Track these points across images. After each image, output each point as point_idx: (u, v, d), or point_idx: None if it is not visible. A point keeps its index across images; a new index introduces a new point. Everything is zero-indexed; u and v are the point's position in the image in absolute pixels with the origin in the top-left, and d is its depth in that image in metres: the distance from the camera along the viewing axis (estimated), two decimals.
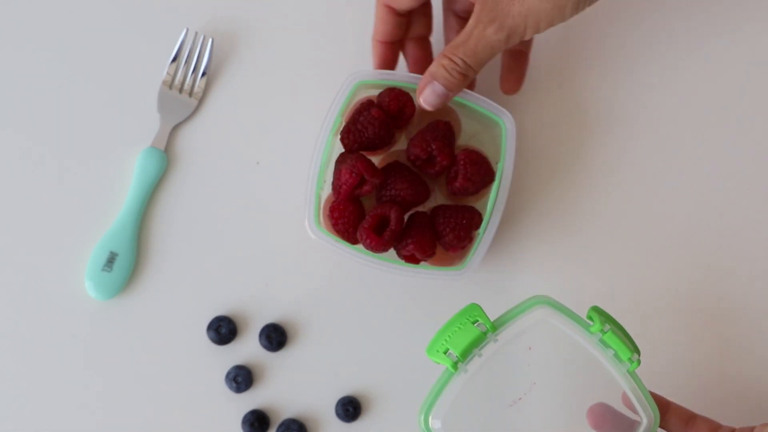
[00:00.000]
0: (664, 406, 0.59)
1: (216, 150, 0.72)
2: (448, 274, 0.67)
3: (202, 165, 0.72)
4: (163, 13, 0.73)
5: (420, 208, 0.67)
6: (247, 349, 0.71)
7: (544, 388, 0.61)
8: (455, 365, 0.59)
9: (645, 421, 0.60)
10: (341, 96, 0.67)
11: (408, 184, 0.65)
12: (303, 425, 0.70)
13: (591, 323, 0.60)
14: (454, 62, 0.63)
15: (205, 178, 0.72)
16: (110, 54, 0.72)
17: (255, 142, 0.72)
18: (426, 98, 0.64)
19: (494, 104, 0.67)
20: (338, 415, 0.70)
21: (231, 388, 0.70)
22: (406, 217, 0.66)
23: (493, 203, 0.66)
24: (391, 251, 0.66)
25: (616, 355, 0.60)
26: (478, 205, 0.67)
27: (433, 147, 0.65)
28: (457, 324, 0.61)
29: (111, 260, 0.70)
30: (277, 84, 0.73)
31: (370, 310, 0.71)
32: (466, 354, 0.58)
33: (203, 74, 0.72)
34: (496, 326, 0.60)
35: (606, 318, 0.60)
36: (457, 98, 0.66)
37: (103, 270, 0.70)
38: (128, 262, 0.70)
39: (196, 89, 0.72)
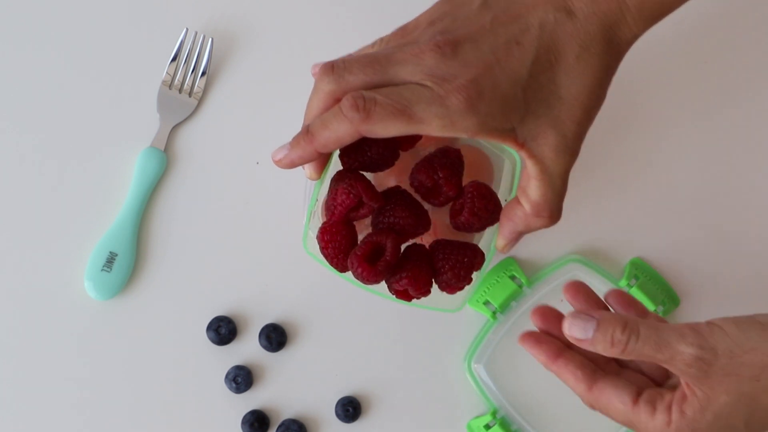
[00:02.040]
0: (642, 313, 0.58)
1: (216, 150, 0.72)
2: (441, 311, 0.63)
3: (201, 165, 0.72)
4: (163, 13, 0.73)
5: (417, 240, 0.61)
6: (247, 349, 0.71)
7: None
8: (494, 315, 0.69)
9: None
10: None
11: (408, 213, 0.58)
12: (303, 425, 0.70)
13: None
14: (549, 217, 0.55)
15: (205, 178, 0.72)
16: (110, 54, 0.72)
17: (255, 142, 0.72)
18: (510, 248, 0.58)
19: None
20: (338, 415, 0.70)
21: (231, 388, 0.70)
22: (402, 247, 0.59)
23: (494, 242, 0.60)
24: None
25: None
26: (474, 239, 0.62)
27: (440, 175, 0.59)
28: (494, 277, 0.69)
29: (111, 260, 0.70)
30: (277, 84, 0.73)
31: (370, 310, 0.71)
32: (504, 306, 0.64)
33: (203, 74, 0.72)
34: (532, 281, 0.70)
35: (641, 272, 0.68)
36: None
37: (102, 270, 0.69)
38: (128, 263, 0.70)
39: (195, 89, 0.72)
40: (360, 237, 0.59)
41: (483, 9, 0.53)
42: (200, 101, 0.72)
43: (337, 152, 0.58)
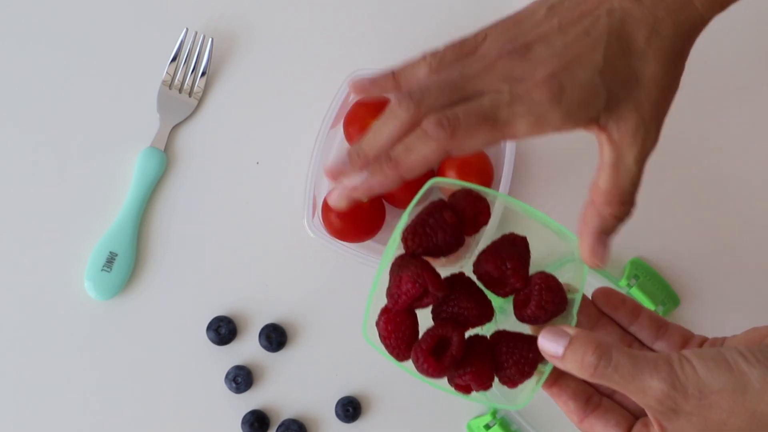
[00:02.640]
0: (636, 309, 0.57)
1: (216, 150, 0.72)
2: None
3: (201, 165, 0.72)
4: (163, 13, 0.73)
5: (478, 330, 0.59)
6: (247, 349, 0.71)
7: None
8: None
9: None
10: (341, 95, 0.67)
11: (473, 304, 0.56)
12: (303, 425, 0.70)
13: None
14: (623, 203, 0.54)
15: (205, 178, 0.72)
16: (110, 54, 0.72)
17: (255, 142, 0.72)
18: (603, 257, 0.55)
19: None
20: (338, 415, 0.70)
21: (231, 388, 0.70)
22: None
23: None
24: None
25: None
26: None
27: (508, 266, 0.56)
28: None
29: (110, 260, 0.70)
30: (276, 84, 0.73)
31: None
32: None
33: (203, 74, 0.72)
34: None
35: (641, 272, 0.68)
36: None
37: (102, 270, 0.70)
38: (128, 262, 0.70)
39: (195, 89, 0.72)
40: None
41: (549, 15, 0.53)
42: (200, 101, 0.72)
43: (400, 235, 0.56)
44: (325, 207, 0.68)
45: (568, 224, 0.71)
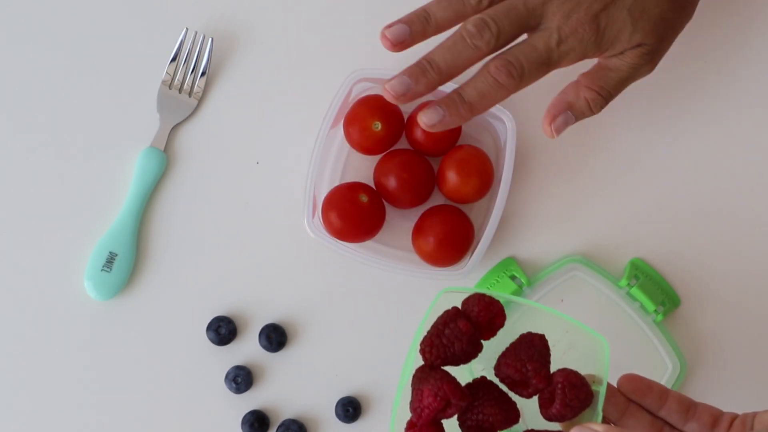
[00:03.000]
0: (663, 393, 0.58)
1: (216, 150, 0.72)
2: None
3: (201, 165, 0.72)
4: (163, 12, 0.72)
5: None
6: (247, 349, 0.71)
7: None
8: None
9: (670, 368, 0.68)
10: (341, 95, 0.67)
11: (498, 410, 0.57)
12: (303, 426, 0.70)
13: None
14: (601, 96, 0.62)
15: (205, 178, 0.72)
16: (110, 54, 0.72)
17: (255, 142, 0.72)
18: (558, 127, 0.63)
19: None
20: (338, 415, 0.70)
21: (231, 388, 0.70)
22: None
23: None
24: None
25: (642, 307, 0.69)
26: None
27: (529, 368, 0.57)
28: (494, 277, 0.69)
29: (110, 260, 0.70)
30: (276, 83, 0.73)
31: (370, 310, 0.71)
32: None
33: (203, 74, 0.72)
34: (532, 281, 0.70)
35: (641, 272, 0.68)
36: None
37: (102, 270, 0.69)
38: (128, 263, 0.70)
39: (195, 89, 0.72)
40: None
41: None
42: (200, 101, 0.72)
43: (418, 347, 0.58)
44: (325, 207, 0.68)
45: (567, 226, 0.72)
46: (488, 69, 0.58)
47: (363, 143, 0.69)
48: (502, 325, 0.59)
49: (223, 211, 0.71)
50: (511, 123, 0.68)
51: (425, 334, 0.57)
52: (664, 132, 0.73)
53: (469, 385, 0.58)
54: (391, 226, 0.70)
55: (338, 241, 0.68)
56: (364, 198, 0.68)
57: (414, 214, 0.70)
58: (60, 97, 0.72)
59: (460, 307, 0.58)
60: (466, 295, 0.58)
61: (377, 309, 0.71)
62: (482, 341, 0.58)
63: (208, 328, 0.70)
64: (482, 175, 0.69)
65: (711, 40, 0.73)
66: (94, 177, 0.71)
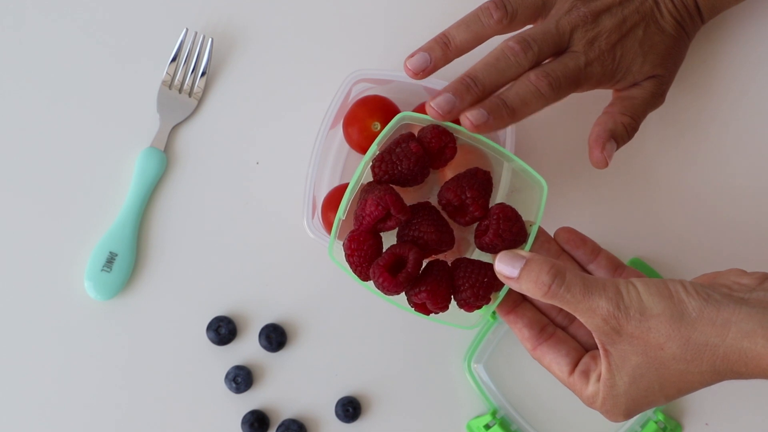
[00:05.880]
0: (596, 249, 0.61)
1: (216, 150, 0.72)
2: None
3: (201, 165, 0.72)
4: (163, 13, 0.73)
5: (440, 257, 0.62)
6: (247, 349, 0.71)
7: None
8: (494, 315, 0.69)
9: None
10: (340, 95, 0.67)
11: (434, 228, 0.59)
12: (303, 425, 0.70)
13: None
14: (635, 121, 0.65)
15: (205, 178, 0.72)
16: (110, 54, 0.72)
17: (254, 142, 0.72)
18: (609, 154, 0.64)
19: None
20: (338, 415, 0.70)
21: (231, 388, 0.70)
22: (424, 262, 0.60)
23: None
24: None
25: None
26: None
27: (468, 195, 0.60)
28: None
29: (110, 260, 0.70)
30: (276, 84, 0.73)
31: (370, 310, 0.71)
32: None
33: (203, 74, 0.72)
34: None
35: (641, 272, 0.66)
36: (505, 151, 0.63)
37: (102, 270, 0.70)
38: (128, 263, 0.70)
39: (195, 89, 0.72)
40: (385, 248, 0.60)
41: None
42: (200, 101, 0.72)
43: (370, 162, 0.60)
44: (325, 207, 0.68)
45: (569, 220, 0.72)
46: (529, 78, 0.60)
47: (362, 143, 0.69)
48: (452, 156, 0.61)
49: (223, 212, 0.71)
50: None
51: (377, 153, 0.60)
52: (664, 132, 0.73)
53: (412, 206, 0.60)
54: None
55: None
56: None
57: None
58: (60, 97, 0.72)
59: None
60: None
61: (377, 309, 0.71)
62: (432, 170, 0.61)
63: (208, 328, 0.70)
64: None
65: (709, 41, 0.74)
66: (94, 177, 0.71)
